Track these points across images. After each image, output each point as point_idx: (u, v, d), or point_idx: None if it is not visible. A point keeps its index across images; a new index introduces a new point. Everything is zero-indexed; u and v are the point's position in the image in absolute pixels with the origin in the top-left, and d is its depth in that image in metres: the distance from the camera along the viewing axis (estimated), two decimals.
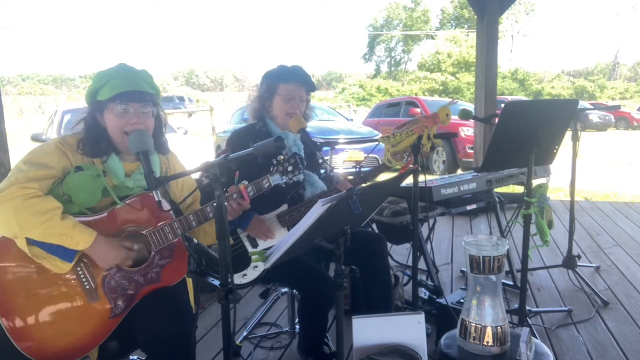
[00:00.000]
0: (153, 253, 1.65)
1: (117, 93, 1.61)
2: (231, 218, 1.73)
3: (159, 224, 1.64)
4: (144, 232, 1.63)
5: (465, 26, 42.27)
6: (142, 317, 1.58)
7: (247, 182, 1.73)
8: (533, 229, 2.42)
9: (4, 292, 1.46)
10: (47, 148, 1.60)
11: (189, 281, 1.86)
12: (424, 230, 3.13)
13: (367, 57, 50.35)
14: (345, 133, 8.23)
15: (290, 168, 1.76)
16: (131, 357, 2.13)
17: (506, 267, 2.71)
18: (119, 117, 1.64)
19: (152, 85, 1.71)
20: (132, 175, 1.69)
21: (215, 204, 1.48)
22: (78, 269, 1.54)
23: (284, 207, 2.16)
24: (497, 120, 2.26)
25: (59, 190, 1.55)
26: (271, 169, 1.77)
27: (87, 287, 1.55)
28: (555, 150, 2.39)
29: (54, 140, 1.63)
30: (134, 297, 1.62)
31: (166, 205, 1.49)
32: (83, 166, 1.58)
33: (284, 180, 1.78)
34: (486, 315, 1.76)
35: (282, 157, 1.76)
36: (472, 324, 1.76)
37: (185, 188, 1.87)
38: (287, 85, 2.24)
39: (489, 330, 1.74)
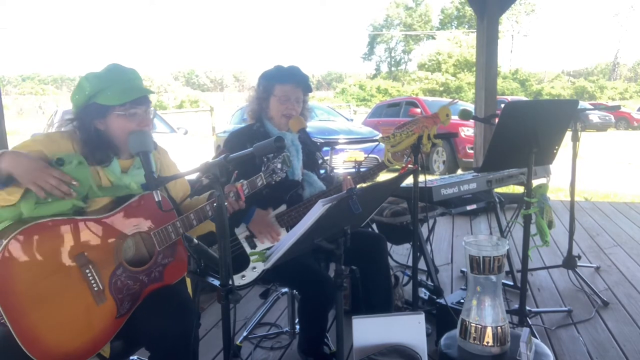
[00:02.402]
0: (157, 252, 1.67)
1: (133, 99, 1.63)
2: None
3: (163, 224, 1.66)
4: (150, 232, 1.65)
5: (466, 26, 42.26)
6: (145, 316, 1.59)
7: (244, 181, 1.74)
8: (533, 229, 2.41)
9: (13, 298, 1.45)
10: (24, 142, 1.61)
11: (188, 281, 1.87)
12: (424, 230, 3.13)
13: (367, 57, 50.45)
14: (345, 133, 8.23)
15: (279, 165, 1.78)
16: (131, 357, 2.13)
17: (506, 267, 2.71)
18: (128, 121, 1.65)
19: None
20: (128, 172, 1.70)
21: (215, 204, 1.48)
22: (87, 271, 1.53)
23: (283, 207, 2.16)
24: (497, 120, 2.26)
25: None
26: (263, 168, 1.78)
27: (96, 289, 1.55)
28: (555, 151, 2.39)
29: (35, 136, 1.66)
30: (139, 297, 1.63)
31: (168, 205, 1.50)
32: (64, 157, 1.55)
33: (274, 179, 1.80)
34: (486, 316, 1.76)
35: (271, 154, 1.77)
36: (472, 324, 1.76)
37: (178, 184, 1.90)
38: (283, 86, 2.23)
39: (489, 331, 1.74)
